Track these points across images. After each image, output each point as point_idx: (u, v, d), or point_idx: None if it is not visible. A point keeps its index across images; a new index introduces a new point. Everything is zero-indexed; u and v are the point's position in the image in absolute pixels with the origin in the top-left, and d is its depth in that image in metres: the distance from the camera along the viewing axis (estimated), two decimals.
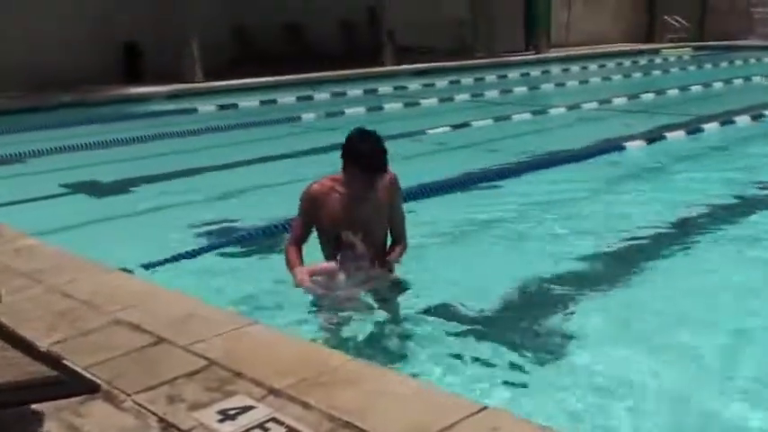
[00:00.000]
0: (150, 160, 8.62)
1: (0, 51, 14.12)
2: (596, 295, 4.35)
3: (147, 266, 4.69)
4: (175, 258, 4.89)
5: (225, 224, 5.91)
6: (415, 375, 3.16)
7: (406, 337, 3.75)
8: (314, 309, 3.94)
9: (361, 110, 11.90)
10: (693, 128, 9.82)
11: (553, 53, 21.96)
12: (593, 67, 19.79)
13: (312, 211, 4.00)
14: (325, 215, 3.97)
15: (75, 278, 3.73)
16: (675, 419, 3.02)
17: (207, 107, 12.84)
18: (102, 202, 6.98)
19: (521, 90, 15.47)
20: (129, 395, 2.53)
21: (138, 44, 16.10)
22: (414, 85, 15.96)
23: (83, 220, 6.10)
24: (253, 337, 3.00)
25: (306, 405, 2.42)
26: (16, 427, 2.37)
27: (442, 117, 11.40)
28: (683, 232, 5.61)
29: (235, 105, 13.12)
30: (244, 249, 5.29)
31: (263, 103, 13.38)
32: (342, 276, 3.89)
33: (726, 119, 10.43)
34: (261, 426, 2.31)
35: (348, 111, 11.79)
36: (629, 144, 8.78)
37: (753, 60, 20.37)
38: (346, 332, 3.76)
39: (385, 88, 15.37)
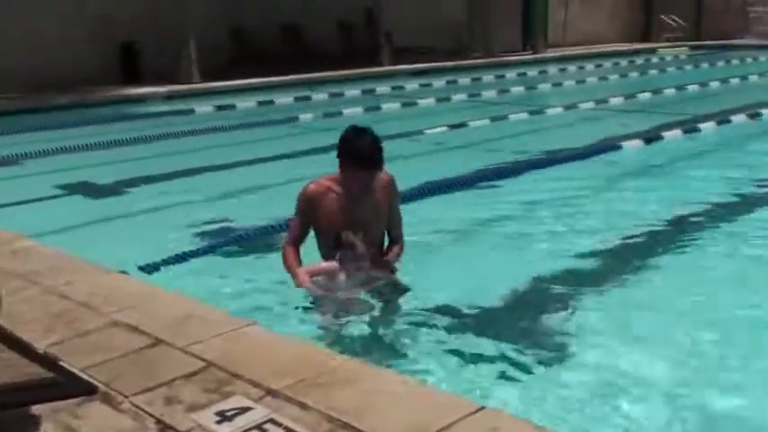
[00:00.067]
0: (148, 161, 8.61)
1: None
2: (594, 294, 4.35)
3: (144, 268, 4.69)
4: (173, 259, 4.88)
5: (223, 225, 5.90)
6: (414, 374, 3.15)
7: (405, 337, 3.75)
8: (313, 309, 3.93)
9: (358, 110, 11.89)
10: (690, 127, 9.84)
11: (550, 53, 21.98)
12: (589, 66, 19.81)
13: (309, 212, 4.00)
14: (322, 215, 3.96)
15: (72, 279, 3.72)
16: (675, 419, 3.02)
17: (204, 108, 12.83)
18: (100, 203, 6.97)
19: (518, 90, 15.49)
20: (126, 397, 2.53)
21: (135, 44, 16.08)
22: (411, 85, 15.96)
23: (80, 221, 6.09)
24: (251, 338, 3.00)
25: (304, 406, 2.42)
26: (15, 429, 2.37)
27: (439, 117, 11.40)
28: (681, 231, 5.62)
29: (232, 106, 13.11)
30: (242, 250, 5.29)
31: (260, 103, 13.37)
32: (342, 276, 3.88)
33: (722, 118, 10.45)
34: (259, 427, 2.31)
35: (346, 111, 11.78)
36: (626, 143, 8.79)
37: (749, 59, 20.41)
38: (346, 332, 3.76)
39: (383, 88, 15.37)
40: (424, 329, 3.82)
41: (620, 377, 3.30)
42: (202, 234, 5.65)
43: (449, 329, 3.83)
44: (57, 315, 3.26)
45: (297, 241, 4.06)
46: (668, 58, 22.40)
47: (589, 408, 3.07)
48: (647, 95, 13.72)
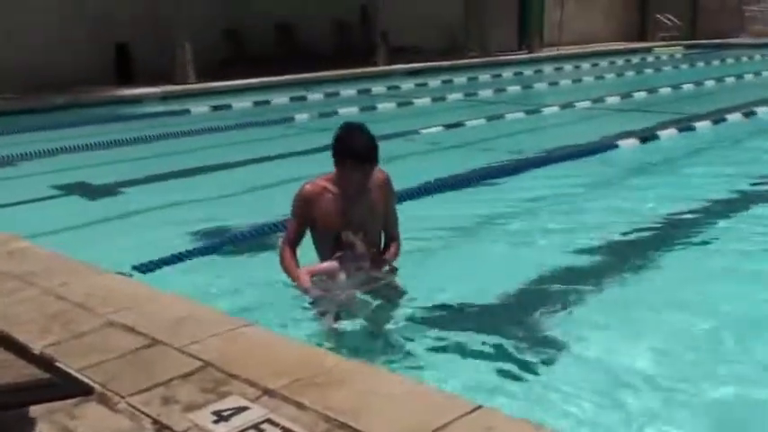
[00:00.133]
0: (144, 161, 8.60)
1: None
2: (592, 292, 4.35)
3: (141, 268, 4.68)
4: (170, 260, 4.88)
5: (219, 225, 5.89)
6: (412, 374, 3.16)
7: (404, 337, 3.75)
8: (312, 309, 3.93)
9: (354, 110, 11.89)
10: (686, 126, 9.86)
11: (546, 52, 22.02)
12: (585, 65, 19.85)
13: (306, 212, 3.99)
14: (319, 216, 3.96)
15: (68, 280, 3.71)
16: (675, 417, 3.02)
17: (200, 108, 12.82)
18: (96, 203, 6.96)
19: (514, 89, 15.50)
20: (123, 397, 2.52)
21: (129, 45, 16.05)
22: (407, 84, 15.97)
23: (76, 222, 6.08)
24: (248, 338, 2.99)
25: (301, 406, 2.42)
26: (14, 430, 2.36)
27: (435, 116, 11.40)
28: (679, 228, 5.63)
29: (228, 106, 13.11)
30: (238, 250, 5.28)
31: (256, 103, 13.36)
32: (342, 276, 3.88)
33: (718, 116, 10.47)
34: (255, 427, 2.31)
35: (341, 111, 11.78)
36: (622, 142, 8.81)
37: (744, 58, 20.46)
38: (345, 332, 3.75)
39: (378, 88, 15.38)
40: (422, 329, 3.82)
41: (619, 376, 3.30)
42: (199, 234, 5.64)
43: (447, 329, 3.82)
44: (53, 316, 3.26)
45: (294, 242, 4.06)
46: (664, 58, 22.45)
47: (587, 407, 3.07)
48: (642, 94, 13.73)
